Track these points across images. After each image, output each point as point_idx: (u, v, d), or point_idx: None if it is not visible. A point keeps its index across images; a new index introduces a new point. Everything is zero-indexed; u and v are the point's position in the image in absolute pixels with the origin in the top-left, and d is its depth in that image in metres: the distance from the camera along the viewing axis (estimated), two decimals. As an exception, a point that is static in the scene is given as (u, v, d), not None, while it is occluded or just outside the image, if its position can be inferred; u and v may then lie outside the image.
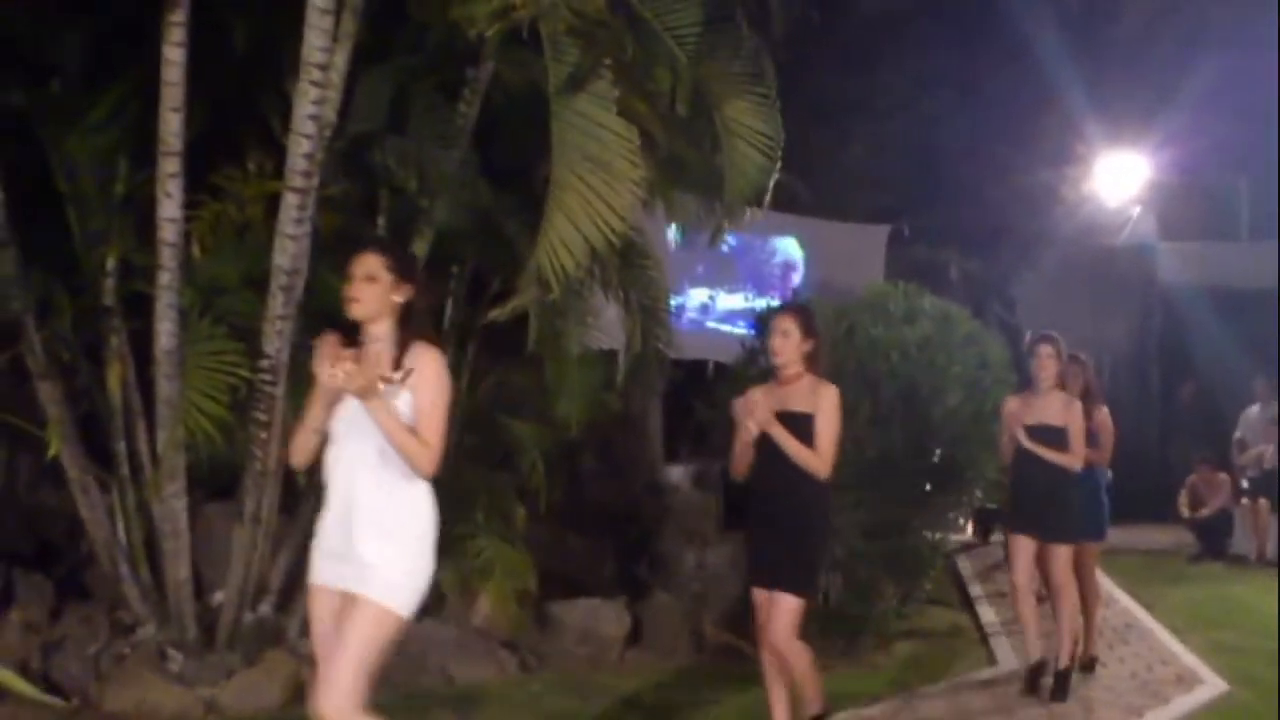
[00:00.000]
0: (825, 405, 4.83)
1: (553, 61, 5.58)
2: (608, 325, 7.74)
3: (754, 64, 6.51)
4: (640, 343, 7.38)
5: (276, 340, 5.44)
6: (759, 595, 4.98)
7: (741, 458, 4.95)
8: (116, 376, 6.02)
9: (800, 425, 4.80)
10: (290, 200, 5.33)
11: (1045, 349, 6.39)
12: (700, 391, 9.39)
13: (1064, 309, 13.24)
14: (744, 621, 8.07)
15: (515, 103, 6.75)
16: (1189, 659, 7.14)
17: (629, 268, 7.23)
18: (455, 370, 7.91)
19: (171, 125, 5.19)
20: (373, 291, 3.66)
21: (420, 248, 6.36)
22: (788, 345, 4.90)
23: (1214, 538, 11.12)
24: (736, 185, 6.57)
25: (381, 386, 3.53)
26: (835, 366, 7.37)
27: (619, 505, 9.71)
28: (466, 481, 7.41)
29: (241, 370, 5.36)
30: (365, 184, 6.73)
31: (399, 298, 3.68)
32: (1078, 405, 6.37)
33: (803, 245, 12.75)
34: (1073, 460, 6.26)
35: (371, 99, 6.01)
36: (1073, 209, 15.09)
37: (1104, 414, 6.89)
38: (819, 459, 4.79)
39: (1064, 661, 6.31)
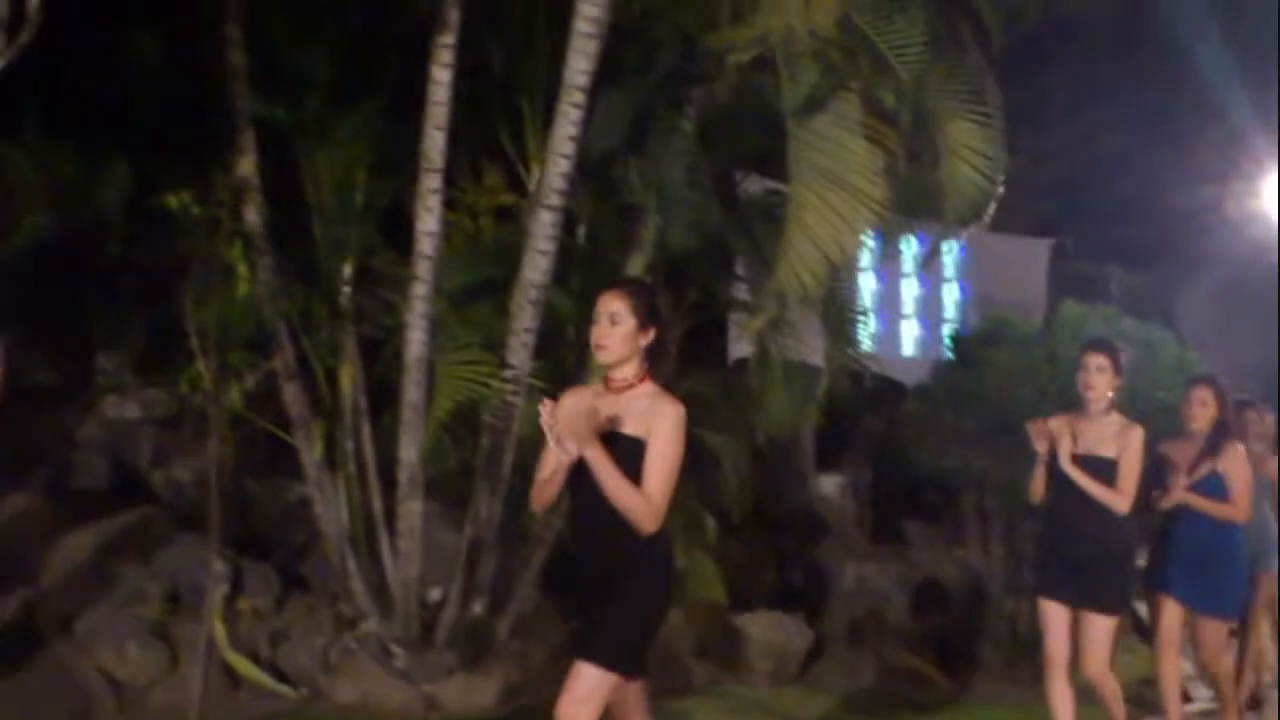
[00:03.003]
0: (662, 428, 3.42)
1: (789, 82, 5.66)
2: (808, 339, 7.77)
3: (977, 82, 6.50)
4: (838, 356, 7.40)
5: (521, 352, 5.60)
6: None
7: (546, 486, 3.60)
8: (349, 378, 6.24)
9: (628, 453, 3.42)
10: (545, 218, 5.48)
11: (1094, 359, 5.09)
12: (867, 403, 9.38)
13: (1228, 330, 12.87)
14: (924, 644, 8.10)
15: (728, 120, 6.85)
16: None
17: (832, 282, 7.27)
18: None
19: (436, 143, 5.38)
20: None
21: (639, 262, 6.48)
22: (613, 337, 3.46)
23: None
24: (955, 205, 6.57)
25: None
26: (1039, 389, 7.40)
27: (774, 515, 9.74)
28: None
29: (493, 381, 5.51)
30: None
31: None
32: (1138, 433, 5.02)
33: (964, 257, 12.57)
34: (1118, 500, 4.94)
35: (608, 117, 6.14)
36: (1239, 226, 14.71)
37: (1237, 454, 5.50)
38: (645, 503, 3.40)
39: None
